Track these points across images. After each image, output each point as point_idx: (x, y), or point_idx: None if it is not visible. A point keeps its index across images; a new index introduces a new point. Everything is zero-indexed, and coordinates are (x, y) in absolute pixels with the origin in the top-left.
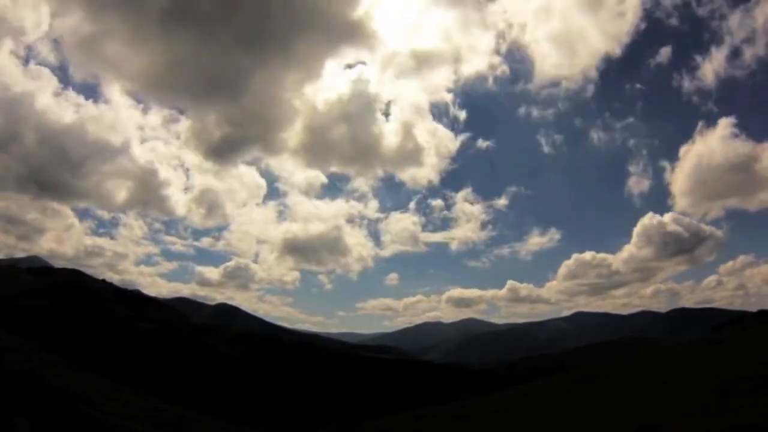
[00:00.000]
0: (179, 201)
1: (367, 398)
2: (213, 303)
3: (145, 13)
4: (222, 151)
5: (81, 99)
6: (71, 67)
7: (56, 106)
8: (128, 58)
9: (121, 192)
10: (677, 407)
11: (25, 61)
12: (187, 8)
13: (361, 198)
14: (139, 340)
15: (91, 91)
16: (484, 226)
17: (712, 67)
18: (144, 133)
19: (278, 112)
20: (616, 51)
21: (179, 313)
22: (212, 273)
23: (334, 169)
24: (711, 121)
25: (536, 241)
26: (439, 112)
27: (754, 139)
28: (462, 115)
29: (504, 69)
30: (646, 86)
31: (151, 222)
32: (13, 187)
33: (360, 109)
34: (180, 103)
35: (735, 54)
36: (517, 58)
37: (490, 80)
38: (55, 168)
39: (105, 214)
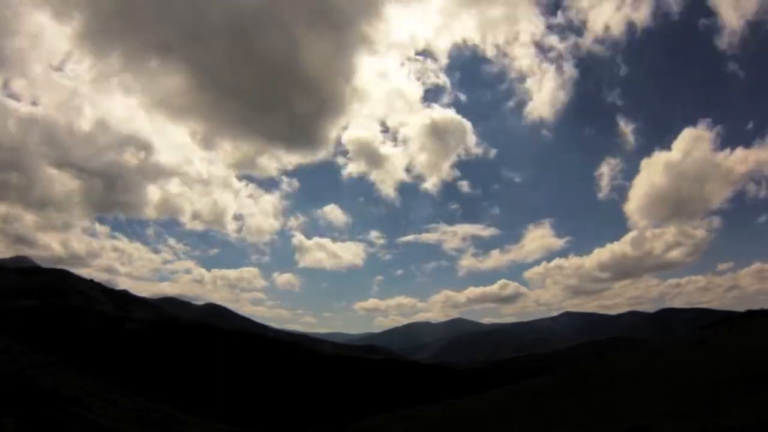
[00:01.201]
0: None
1: (355, 398)
2: (201, 303)
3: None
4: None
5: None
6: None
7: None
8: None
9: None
10: (667, 407)
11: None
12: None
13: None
14: (127, 339)
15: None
16: (474, 228)
17: None
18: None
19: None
20: None
21: (167, 313)
22: (208, 274)
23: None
24: None
25: (526, 242)
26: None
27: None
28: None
29: None
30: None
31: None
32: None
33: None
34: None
35: None
36: None
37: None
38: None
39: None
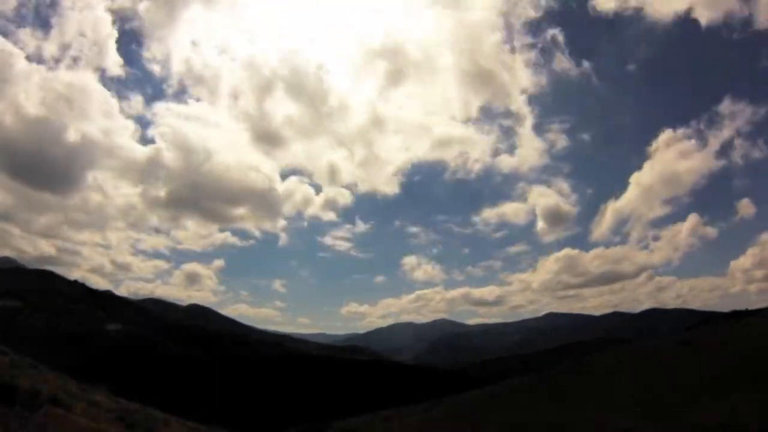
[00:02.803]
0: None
1: (338, 399)
2: (185, 304)
3: None
4: None
5: None
6: None
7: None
8: None
9: None
10: (650, 408)
11: None
12: None
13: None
14: (109, 340)
15: None
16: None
17: None
18: None
19: None
20: None
21: (151, 314)
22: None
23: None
24: None
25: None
26: None
27: None
28: None
29: None
30: None
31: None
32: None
33: None
34: None
35: None
36: None
37: None
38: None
39: None
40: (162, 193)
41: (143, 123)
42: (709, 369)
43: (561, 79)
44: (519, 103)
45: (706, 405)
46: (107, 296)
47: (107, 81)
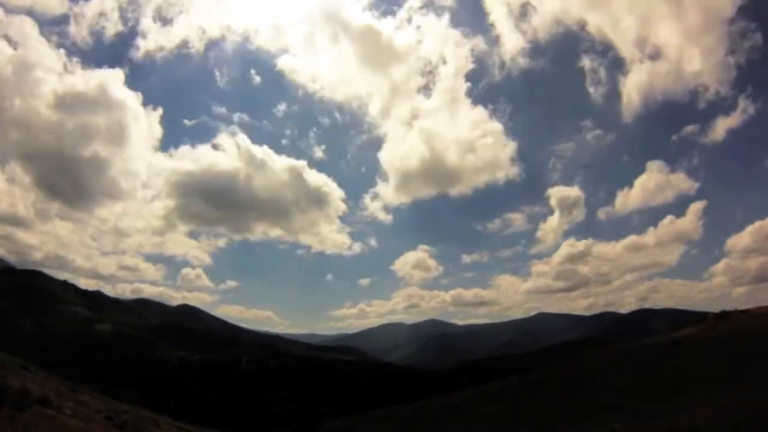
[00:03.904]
0: None
1: (328, 399)
2: (174, 304)
3: None
4: None
5: None
6: None
7: None
8: None
9: None
10: (638, 407)
11: None
12: None
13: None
14: (98, 340)
15: None
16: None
17: None
18: None
19: None
20: None
21: (140, 315)
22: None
23: None
24: None
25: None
26: None
27: None
28: None
29: None
30: None
31: None
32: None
33: None
34: None
35: None
36: None
37: None
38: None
39: None
40: (168, 194)
41: (174, 130)
42: (698, 368)
43: None
44: None
45: (696, 403)
46: (97, 296)
47: (132, 83)
